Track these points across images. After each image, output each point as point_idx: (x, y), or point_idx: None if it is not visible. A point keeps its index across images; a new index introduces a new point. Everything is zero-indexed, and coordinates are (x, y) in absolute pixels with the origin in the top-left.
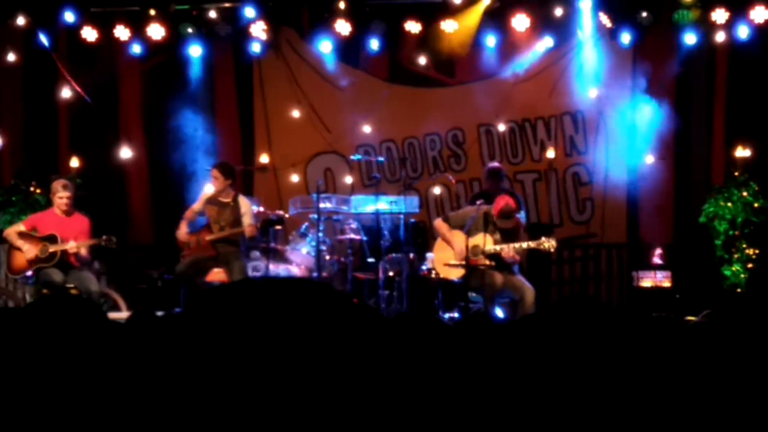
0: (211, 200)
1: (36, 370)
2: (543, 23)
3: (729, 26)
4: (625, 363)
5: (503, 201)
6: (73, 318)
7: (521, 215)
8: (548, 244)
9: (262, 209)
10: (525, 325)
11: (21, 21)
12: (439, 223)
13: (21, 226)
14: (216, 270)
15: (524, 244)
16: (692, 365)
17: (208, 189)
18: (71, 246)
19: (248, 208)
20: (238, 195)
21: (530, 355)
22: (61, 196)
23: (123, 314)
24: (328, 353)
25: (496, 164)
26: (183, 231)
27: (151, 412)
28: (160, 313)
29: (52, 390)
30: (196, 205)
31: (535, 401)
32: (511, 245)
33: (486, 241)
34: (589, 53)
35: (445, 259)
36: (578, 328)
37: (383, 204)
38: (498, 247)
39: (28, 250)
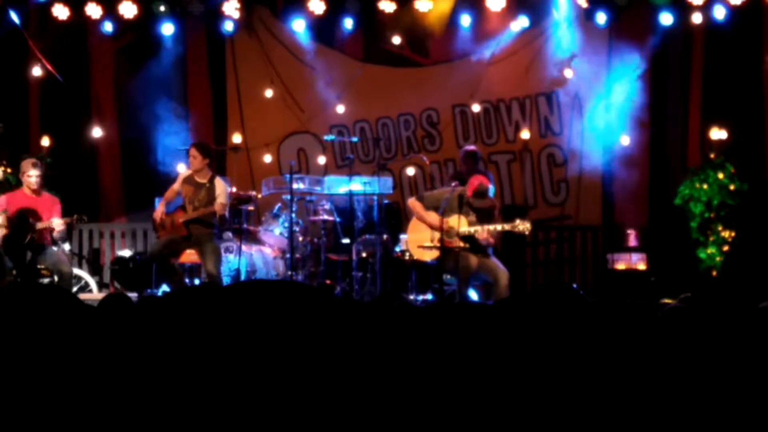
0: (188, 180)
1: (9, 357)
2: (518, 3)
3: (705, 7)
4: (600, 349)
5: (477, 180)
6: (46, 304)
7: (491, 191)
8: (523, 226)
9: (234, 189)
10: (501, 310)
11: None
12: (413, 202)
13: None
14: (189, 251)
15: (499, 227)
16: (668, 350)
17: (181, 169)
18: (52, 223)
19: (223, 189)
20: (215, 176)
21: (506, 339)
22: (31, 174)
23: (94, 295)
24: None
25: (472, 147)
26: (159, 210)
27: (126, 396)
28: (133, 295)
29: (27, 376)
30: (176, 185)
31: (509, 386)
32: (486, 227)
33: (461, 223)
34: (564, 33)
35: (419, 241)
36: (553, 315)
37: (357, 185)
38: (472, 229)
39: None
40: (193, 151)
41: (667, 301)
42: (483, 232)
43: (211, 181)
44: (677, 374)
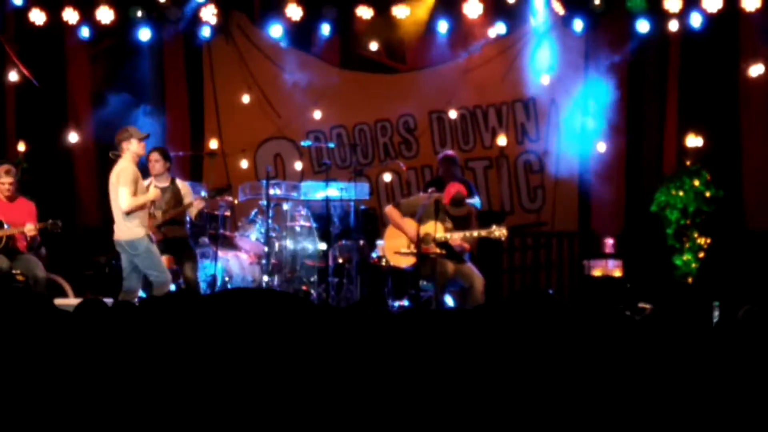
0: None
1: None
2: (495, 10)
3: (682, 15)
4: (575, 355)
5: (454, 189)
6: (20, 309)
7: (476, 202)
8: (499, 232)
9: (206, 193)
10: (477, 315)
11: None
12: (390, 209)
13: None
14: (165, 257)
15: (474, 233)
16: (641, 356)
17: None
18: (25, 228)
19: (188, 190)
20: (175, 178)
21: (484, 345)
22: (4, 182)
23: (70, 301)
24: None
25: (450, 152)
26: None
27: (104, 402)
28: (108, 301)
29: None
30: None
31: (488, 391)
32: (459, 234)
33: (437, 229)
34: (541, 40)
35: (395, 247)
36: (531, 321)
37: (333, 190)
38: (447, 236)
39: None
40: (156, 155)
41: (645, 306)
42: (456, 239)
43: (173, 182)
44: (654, 379)
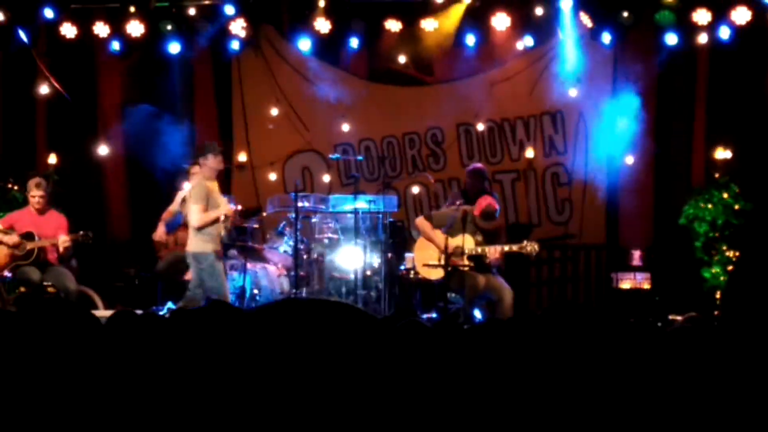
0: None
1: (26, 371)
2: (523, 23)
3: (710, 27)
4: (607, 369)
5: (485, 201)
6: (61, 319)
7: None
8: (531, 247)
9: (239, 207)
10: (509, 328)
11: (0, 17)
12: (421, 221)
13: None
14: None
15: (506, 247)
16: (675, 370)
17: (185, 188)
18: (59, 240)
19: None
20: None
21: (515, 358)
22: (34, 194)
23: (101, 312)
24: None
25: (479, 165)
26: (160, 231)
27: (139, 411)
28: (138, 312)
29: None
30: (173, 206)
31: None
32: (496, 247)
33: (466, 242)
34: (569, 53)
35: (425, 259)
36: (564, 335)
37: (361, 203)
38: (481, 249)
39: (9, 240)
40: (196, 169)
41: (675, 318)
42: (495, 252)
43: None
44: (685, 393)
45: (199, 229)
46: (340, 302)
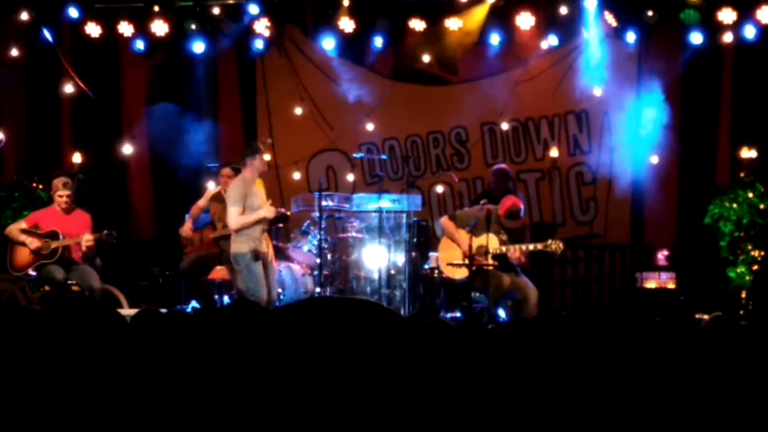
0: (216, 198)
1: (51, 369)
2: (548, 22)
3: (735, 26)
4: (634, 369)
5: (510, 201)
6: (86, 317)
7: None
8: (555, 245)
9: (282, 210)
10: (534, 328)
11: (25, 16)
12: (445, 220)
13: (23, 224)
14: (219, 268)
15: (531, 246)
16: (703, 370)
17: (212, 186)
18: (82, 239)
19: None
20: None
21: (540, 358)
22: (61, 194)
23: (125, 311)
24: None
25: (503, 165)
26: (187, 227)
27: (163, 409)
28: (163, 311)
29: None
30: (201, 202)
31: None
32: (519, 246)
33: (491, 241)
34: (594, 52)
35: (449, 259)
36: (589, 335)
37: (386, 202)
38: (504, 248)
39: (32, 242)
40: (227, 171)
41: (703, 317)
42: (516, 251)
43: None
44: (713, 393)
45: (237, 230)
46: (366, 300)
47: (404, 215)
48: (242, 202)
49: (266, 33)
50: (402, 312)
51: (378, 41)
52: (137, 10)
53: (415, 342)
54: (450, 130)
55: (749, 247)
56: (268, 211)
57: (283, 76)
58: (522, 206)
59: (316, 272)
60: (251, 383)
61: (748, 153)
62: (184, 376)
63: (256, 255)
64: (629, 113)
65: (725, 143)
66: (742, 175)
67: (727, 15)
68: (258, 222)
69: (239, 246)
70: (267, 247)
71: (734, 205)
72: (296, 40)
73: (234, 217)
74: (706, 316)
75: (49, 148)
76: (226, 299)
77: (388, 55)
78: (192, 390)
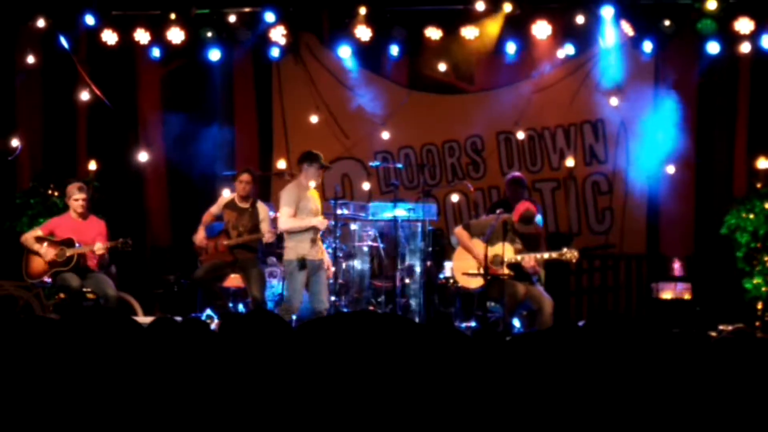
0: (230, 205)
1: (66, 377)
2: (564, 31)
3: (753, 36)
4: (651, 380)
5: (524, 206)
6: (101, 325)
7: (538, 219)
8: (570, 254)
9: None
10: (550, 338)
11: (41, 23)
12: (459, 230)
13: (38, 231)
14: (233, 276)
15: (546, 255)
16: (721, 382)
17: (226, 194)
18: (95, 247)
19: (266, 214)
20: (257, 201)
21: (556, 368)
22: (77, 198)
23: (140, 319)
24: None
25: (518, 173)
26: (201, 235)
27: (179, 417)
28: (178, 319)
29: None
30: (214, 209)
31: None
32: (533, 255)
33: (506, 250)
34: (610, 62)
35: (464, 268)
36: (605, 346)
37: (401, 211)
38: (519, 257)
39: (46, 253)
40: (247, 177)
41: (725, 328)
42: (530, 260)
43: (253, 205)
44: (731, 405)
45: (289, 234)
46: (388, 314)
47: (419, 224)
48: (295, 204)
49: (282, 41)
50: (416, 321)
51: (394, 50)
52: (154, 17)
53: (431, 352)
54: (466, 139)
55: (765, 258)
56: (320, 222)
57: (299, 84)
58: (536, 211)
59: (331, 281)
60: (267, 394)
61: (765, 163)
62: (200, 385)
63: (302, 264)
64: (646, 123)
65: (742, 153)
66: (758, 185)
67: (744, 25)
68: (307, 230)
69: (287, 252)
70: (320, 253)
71: (751, 216)
72: (312, 48)
73: (284, 218)
74: (730, 327)
75: (65, 155)
76: (240, 307)
77: (404, 63)
78: (207, 399)
